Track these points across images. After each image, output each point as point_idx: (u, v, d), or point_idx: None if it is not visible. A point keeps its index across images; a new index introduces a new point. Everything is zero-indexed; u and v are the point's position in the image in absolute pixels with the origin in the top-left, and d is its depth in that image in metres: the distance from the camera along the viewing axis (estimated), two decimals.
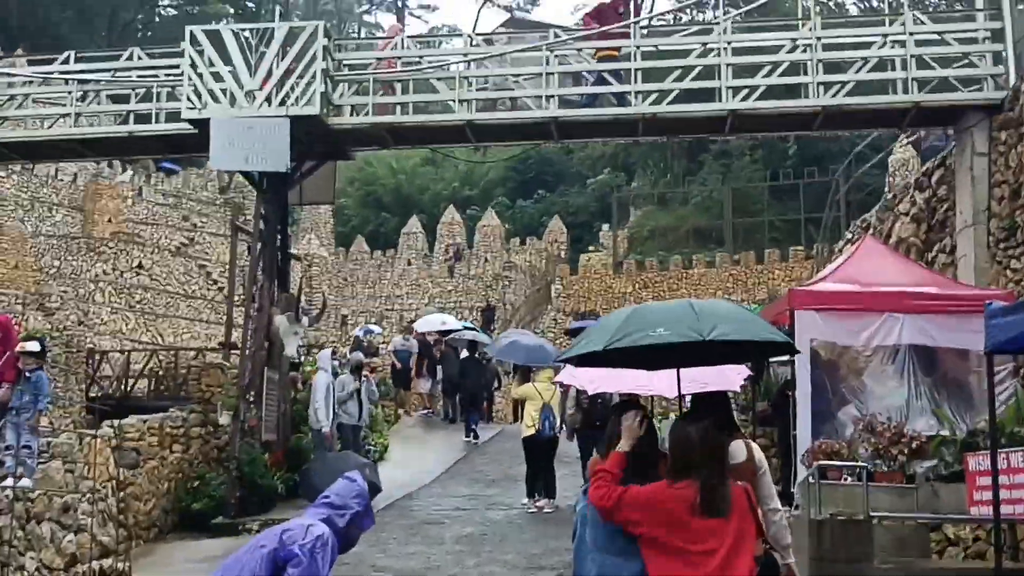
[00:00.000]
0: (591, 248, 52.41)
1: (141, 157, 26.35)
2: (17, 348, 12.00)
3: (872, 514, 9.93)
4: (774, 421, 14.46)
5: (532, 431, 15.11)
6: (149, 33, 66.84)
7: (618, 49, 15.67)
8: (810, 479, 11.21)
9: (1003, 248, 14.62)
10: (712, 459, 5.06)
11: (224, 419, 15.22)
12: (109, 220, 42.02)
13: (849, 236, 19.50)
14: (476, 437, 22.02)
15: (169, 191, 46.69)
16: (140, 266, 41.10)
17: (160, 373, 24.86)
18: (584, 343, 6.24)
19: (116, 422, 13.84)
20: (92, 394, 24.46)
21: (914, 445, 11.11)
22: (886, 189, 25.26)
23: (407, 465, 19.18)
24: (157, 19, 72.84)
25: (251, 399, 15.17)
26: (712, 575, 4.84)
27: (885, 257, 13.64)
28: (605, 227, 52.87)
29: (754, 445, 6.61)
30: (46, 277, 37.50)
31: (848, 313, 12.56)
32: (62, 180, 42.05)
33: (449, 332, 25.32)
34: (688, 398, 8.16)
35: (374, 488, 16.00)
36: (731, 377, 12.52)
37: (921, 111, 15.36)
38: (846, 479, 11.29)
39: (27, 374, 11.87)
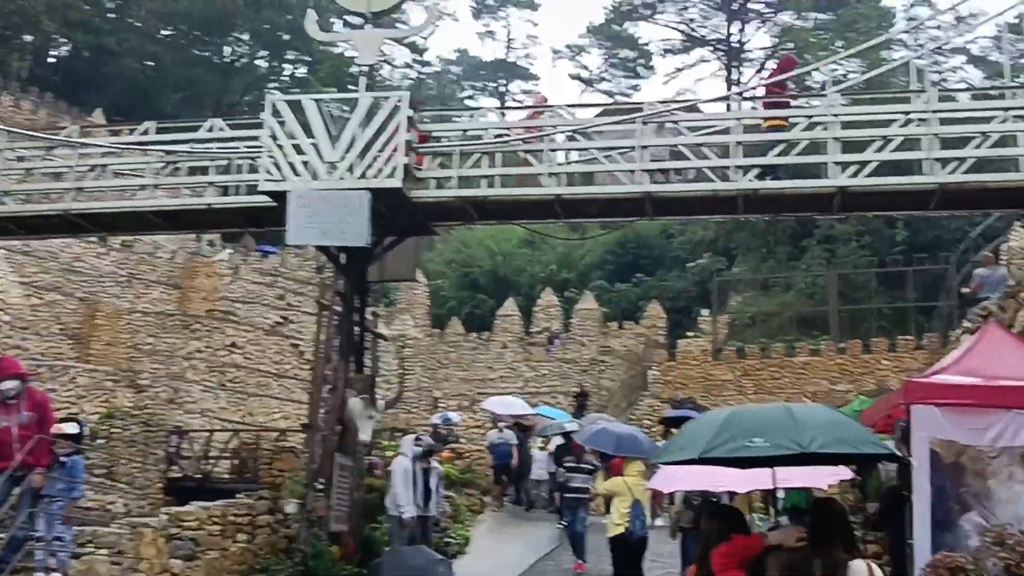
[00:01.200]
0: (690, 334, 51.18)
1: (219, 231, 26.04)
2: (53, 430, 11.34)
3: None
4: (884, 526, 13.06)
5: (621, 529, 13.99)
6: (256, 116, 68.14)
7: (786, 119, 14.80)
8: None
9: None
10: None
11: (291, 507, 14.41)
12: (205, 298, 42.13)
13: (968, 325, 18.13)
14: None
15: (266, 270, 46.85)
16: (234, 344, 41.00)
17: (243, 454, 24.27)
18: (680, 449, 6.17)
19: (173, 509, 13.10)
20: (172, 475, 23.97)
21: None
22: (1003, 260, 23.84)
23: (488, 560, 18.14)
24: (263, 101, 74.19)
25: (320, 486, 14.34)
26: None
27: (1012, 347, 12.37)
28: (705, 312, 51.69)
29: (875, 568, 6.10)
30: (140, 354, 37.54)
31: (971, 409, 11.32)
32: (160, 257, 42.37)
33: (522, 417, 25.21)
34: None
35: None
36: (820, 474, 11.29)
37: None
38: None
39: (62, 459, 11.20)
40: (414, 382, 49.55)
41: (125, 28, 67.33)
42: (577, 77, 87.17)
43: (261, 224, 16.52)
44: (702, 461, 6.01)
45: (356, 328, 15.86)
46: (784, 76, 15.73)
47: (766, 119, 14.89)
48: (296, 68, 75.70)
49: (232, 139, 15.92)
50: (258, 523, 14.81)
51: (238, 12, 69.39)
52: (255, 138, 15.35)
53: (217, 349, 40.37)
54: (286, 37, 71.42)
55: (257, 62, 76.31)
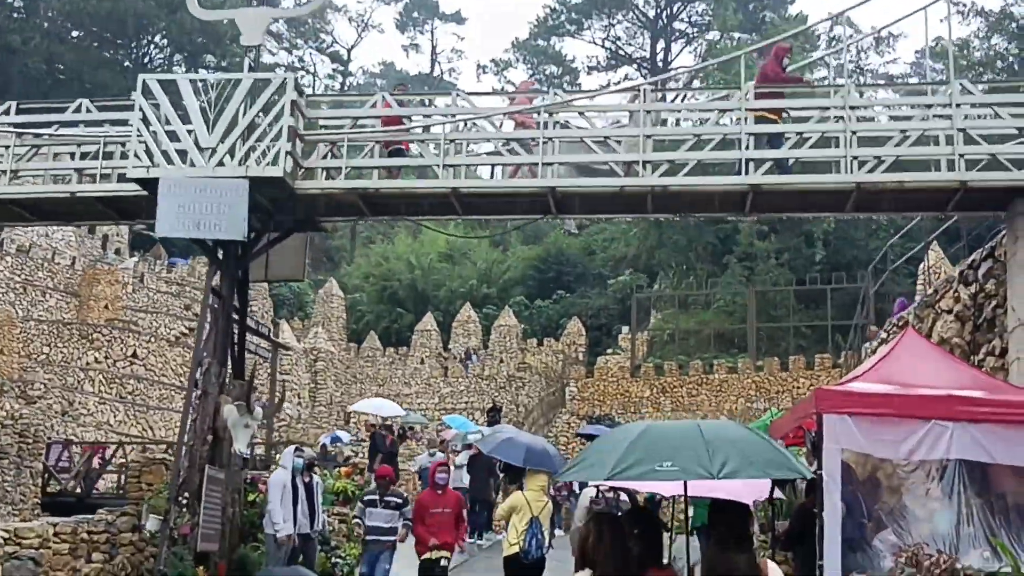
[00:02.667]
0: (610, 351, 50.64)
1: (87, 223, 24.52)
2: None
3: None
4: (795, 545, 12.13)
5: (516, 549, 12.88)
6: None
7: (780, 113, 13.84)
8: None
9: None
10: None
11: (151, 524, 13.12)
12: (106, 307, 40.43)
13: (884, 336, 17.45)
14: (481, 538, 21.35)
15: (173, 279, 45.21)
16: (135, 355, 39.30)
17: (128, 469, 22.80)
18: (588, 465, 5.88)
19: (12, 525, 11.78)
20: (50, 490, 22.45)
21: None
22: (919, 286, 23.37)
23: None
24: None
25: (184, 501, 13.06)
26: None
27: (929, 355, 11.60)
28: (625, 329, 51.19)
29: (772, 565, 5.71)
30: (33, 364, 35.74)
31: (886, 419, 10.50)
32: (59, 264, 40.58)
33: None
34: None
35: None
36: (743, 493, 10.37)
37: (968, 193, 13.44)
38: None
39: None
40: (326, 397, 48.21)
41: (31, 27, 65.14)
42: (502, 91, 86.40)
43: (132, 216, 15.26)
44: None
45: (236, 330, 14.63)
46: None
47: (756, 112, 13.93)
48: (212, 72, 73.91)
49: (102, 122, 14.63)
50: (120, 541, 13.53)
51: (150, 14, 67.43)
52: (127, 122, 14.09)
53: (117, 360, 38.66)
54: (201, 40, 69.73)
55: (175, 69, 74.45)
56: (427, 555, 13.53)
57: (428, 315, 56.76)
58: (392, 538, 14.45)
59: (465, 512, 23.39)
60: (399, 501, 14.59)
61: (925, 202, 14.13)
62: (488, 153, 14.63)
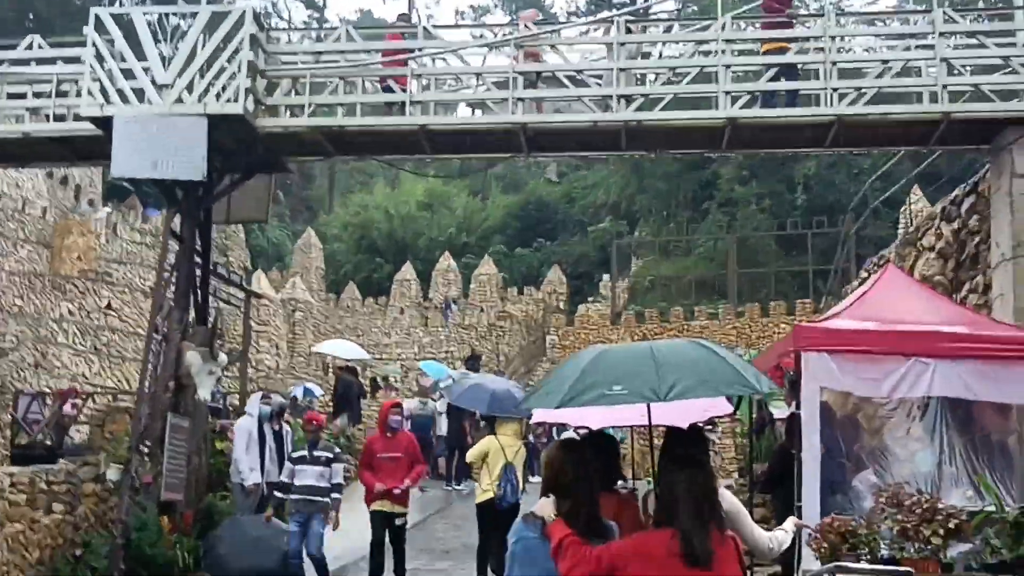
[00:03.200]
0: (590, 299, 50.31)
1: (43, 165, 23.83)
2: None
3: None
4: (774, 487, 11.84)
5: (490, 495, 12.56)
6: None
7: (787, 42, 13.31)
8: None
9: None
10: (696, 506, 4.57)
11: (112, 473, 12.75)
12: (78, 258, 39.76)
13: (865, 275, 17.12)
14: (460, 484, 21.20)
15: (147, 230, 44.57)
16: (109, 307, 38.73)
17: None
18: (544, 394, 5.72)
19: None
20: (20, 442, 21.98)
21: (951, 524, 8.63)
22: (901, 228, 23.08)
23: (351, 531, 16.67)
24: None
25: (146, 450, 12.67)
26: None
27: (912, 291, 11.27)
28: (605, 277, 50.83)
29: (720, 489, 5.31)
30: (5, 316, 35.14)
31: (867, 357, 10.18)
32: (30, 214, 39.86)
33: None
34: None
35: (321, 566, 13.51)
36: (691, 411, 10.04)
37: (952, 125, 13.05)
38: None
39: None
40: (305, 347, 47.78)
41: None
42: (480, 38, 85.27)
43: (89, 157, 14.75)
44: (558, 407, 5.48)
45: (199, 274, 14.19)
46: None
47: (763, 42, 13.44)
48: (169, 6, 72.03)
49: (55, 59, 14.05)
50: (83, 492, 13.16)
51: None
52: (80, 59, 13.53)
53: (91, 312, 38.10)
54: None
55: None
56: (377, 505, 12.32)
57: (407, 265, 56.28)
58: (325, 499, 12.57)
59: (442, 460, 23.21)
60: (330, 456, 12.72)
61: (907, 136, 13.74)
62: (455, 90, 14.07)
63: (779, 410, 17.01)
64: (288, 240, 61.72)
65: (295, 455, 12.81)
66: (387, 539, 12.81)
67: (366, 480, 12.47)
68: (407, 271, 55.37)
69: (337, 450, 13.15)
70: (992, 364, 10.05)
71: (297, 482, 12.50)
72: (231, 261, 46.18)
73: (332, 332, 52.23)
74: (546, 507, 4.87)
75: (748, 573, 5.44)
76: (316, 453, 12.62)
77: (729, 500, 5.89)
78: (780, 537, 5.81)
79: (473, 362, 32.56)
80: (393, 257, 59.69)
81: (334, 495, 12.53)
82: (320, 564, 12.70)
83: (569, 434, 13.25)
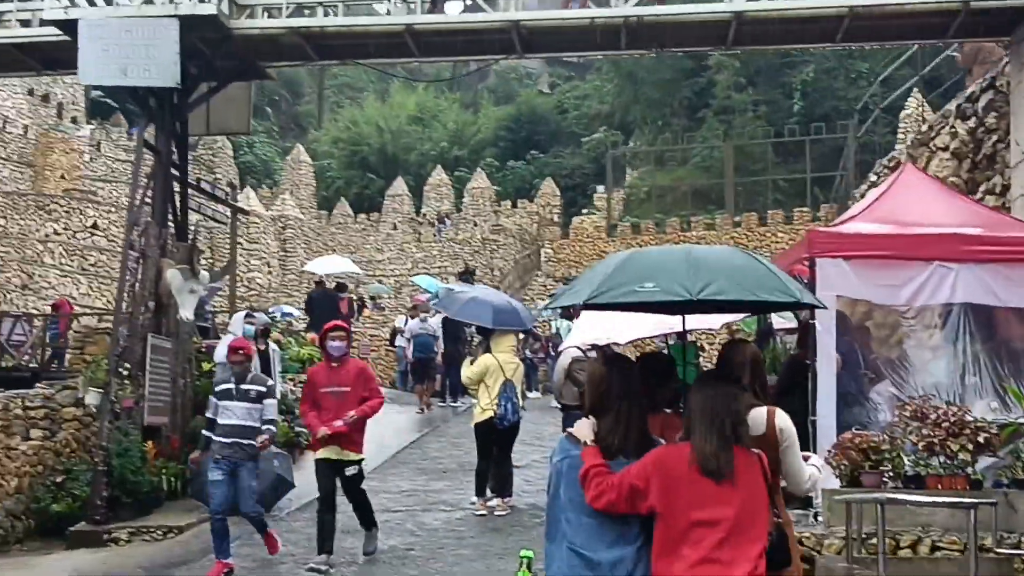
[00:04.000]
0: (585, 211, 49.61)
1: (8, 75, 22.77)
2: None
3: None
4: (785, 401, 11.30)
5: (489, 414, 12.01)
6: None
7: None
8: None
9: None
10: (717, 421, 4.35)
11: (91, 398, 12.18)
12: (62, 176, 38.95)
13: (874, 179, 16.47)
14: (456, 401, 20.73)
15: (132, 147, 43.62)
16: (95, 226, 38.02)
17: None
18: (573, 292, 5.35)
19: None
20: (4, 364, 21.47)
21: (981, 438, 8.11)
22: (900, 134, 22.38)
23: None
24: None
25: (125, 372, 12.07)
26: (715, 554, 4.13)
27: (931, 191, 10.64)
28: (600, 189, 50.09)
29: (780, 413, 5.10)
30: None
31: (885, 262, 9.61)
32: (11, 133, 38.95)
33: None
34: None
35: (285, 483, 13.09)
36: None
37: (971, 15, 12.30)
38: (887, 483, 8.35)
39: None
40: (297, 265, 47.18)
41: None
42: None
43: (56, 66, 13.95)
44: (590, 307, 5.39)
45: (178, 188, 13.49)
46: None
47: None
48: None
49: None
50: (63, 417, 12.62)
51: None
52: None
53: (76, 231, 37.41)
54: None
55: None
56: (323, 452, 9.97)
57: (399, 180, 55.49)
58: (253, 442, 10.08)
59: (443, 379, 22.64)
60: (261, 390, 10.28)
61: (922, 28, 12.99)
62: None
63: (782, 319, 16.49)
64: (278, 157, 60.78)
65: (218, 389, 10.40)
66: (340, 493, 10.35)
67: (309, 421, 10.14)
68: (399, 186, 54.61)
69: (271, 382, 10.97)
70: (1017, 267, 9.49)
71: (221, 421, 10.03)
72: (219, 178, 45.40)
73: (324, 249, 51.61)
74: (583, 429, 4.58)
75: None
76: (244, 387, 10.12)
77: (785, 426, 5.23)
78: (815, 475, 5.29)
79: (467, 276, 31.91)
80: (384, 172, 58.89)
81: (266, 427, 10.19)
82: (258, 521, 10.37)
83: (572, 351, 12.66)
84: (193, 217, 15.18)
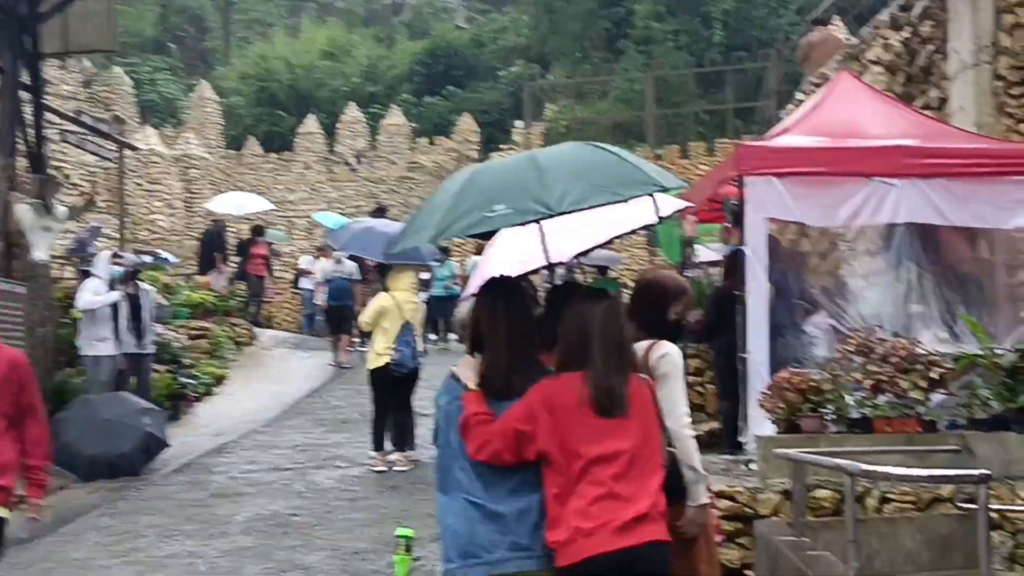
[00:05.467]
0: (504, 147, 48.34)
1: None
2: None
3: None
4: (711, 336, 10.22)
5: (385, 360, 10.84)
6: None
7: None
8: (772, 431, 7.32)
9: (1016, 95, 10.66)
10: (610, 346, 3.94)
11: None
12: None
13: (801, 98, 15.45)
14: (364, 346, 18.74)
15: None
16: None
17: None
18: (414, 231, 4.52)
19: None
20: None
21: (934, 374, 7.11)
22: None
23: (241, 401, 15.02)
24: None
25: None
26: (614, 489, 3.78)
27: (870, 100, 9.63)
28: (519, 124, 48.82)
29: (662, 345, 4.70)
30: None
31: (822, 179, 8.60)
32: None
33: None
34: None
35: (157, 442, 11.81)
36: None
37: None
38: (828, 427, 7.36)
39: None
40: (202, 208, 45.39)
41: None
42: None
43: None
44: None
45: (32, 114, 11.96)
46: None
47: None
48: None
49: None
50: None
51: None
52: None
53: None
54: None
55: None
56: None
57: (311, 117, 53.55)
58: None
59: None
60: None
61: None
62: None
63: (710, 251, 15.55)
64: (183, 95, 58.41)
65: None
66: None
67: None
68: (311, 124, 52.68)
69: None
70: (965, 182, 8.51)
71: None
72: (119, 116, 43.30)
73: (233, 190, 49.74)
74: (465, 369, 4.14)
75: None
76: None
77: (665, 354, 4.70)
78: (689, 477, 4.52)
79: (379, 215, 30.53)
80: (296, 110, 56.88)
81: None
82: None
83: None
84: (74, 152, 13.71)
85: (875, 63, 13.25)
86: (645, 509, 3.77)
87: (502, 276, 4.43)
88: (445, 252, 18.63)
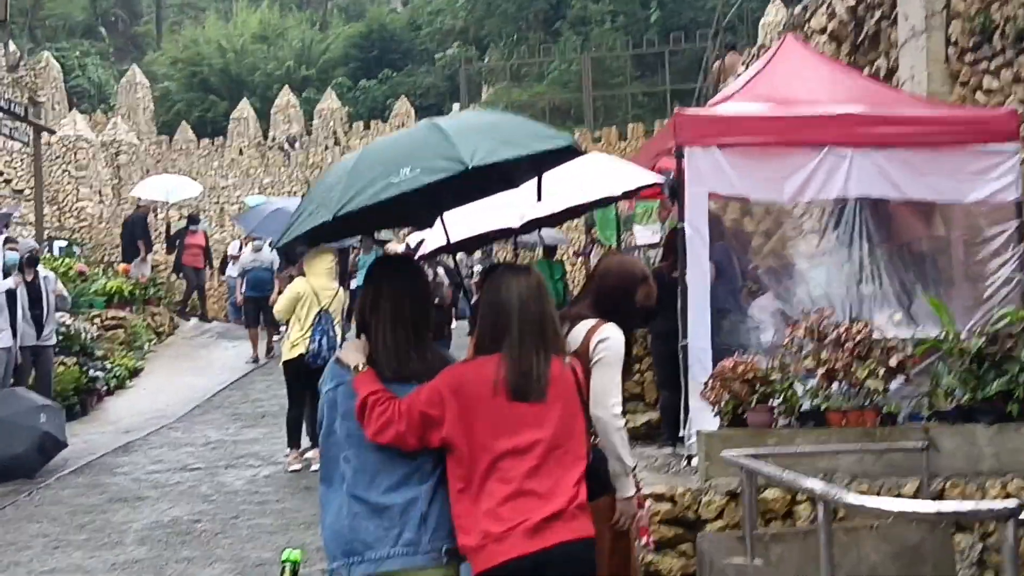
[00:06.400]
0: None
1: None
2: None
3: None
4: (648, 320, 9.53)
5: (300, 351, 10.05)
6: None
7: None
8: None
9: (970, 62, 10.10)
10: (529, 325, 3.63)
11: None
12: None
13: (741, 70, 14.83)
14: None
15: None
16: None
17: None
18: (310, 212, 3.99)
19: None
20: None
21: (893, 361, 6.49)
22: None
23: (158, 394, 14.16)
24: None
25: None
26: (528, 485, 3.46)
27: (818, 65, 9.01)
28: (456, 107, 48.07)
29: (607, 328, 4.36)
30: None
31: (767, 149, 7.96)
32: None
33: None
34: None
35: (54, 442, 10.91)
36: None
37: None
38: (777, 420, 6.73)
39: None
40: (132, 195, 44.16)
41: None
42: None
43: None
44: (341, 222, 3.95)
45: None
46: None
47: None
48: None
49: None
50: None
51: None
52: None
53: None
54: None
55: None
56: None
57: (244, 102, 52.41)
58: None
59: None
60: None
61: None
62: None
63: (646, 231, 14.96)
64: (114, 80, 56.97)
65: None
66: None
67: None
68: (244, 108, 51.53)
69: None
70: (922, 152, 7.90)
71: None
72: (42, 100, 41.98)
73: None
74: (350, 351, 3.80)
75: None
76: None
77: (606, 338, 4.37)
78: (615, 469, 4.19)
79: None
80: (228, 94, 55.74)
81: None
82: None
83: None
84: None
85: (820, 31, 12.70)
86: (561, 506, 3.46)
87: (395, 255, 4.04)
88: (372, 239, 17.75)
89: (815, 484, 3.28)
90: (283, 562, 4.53)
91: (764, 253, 8.57)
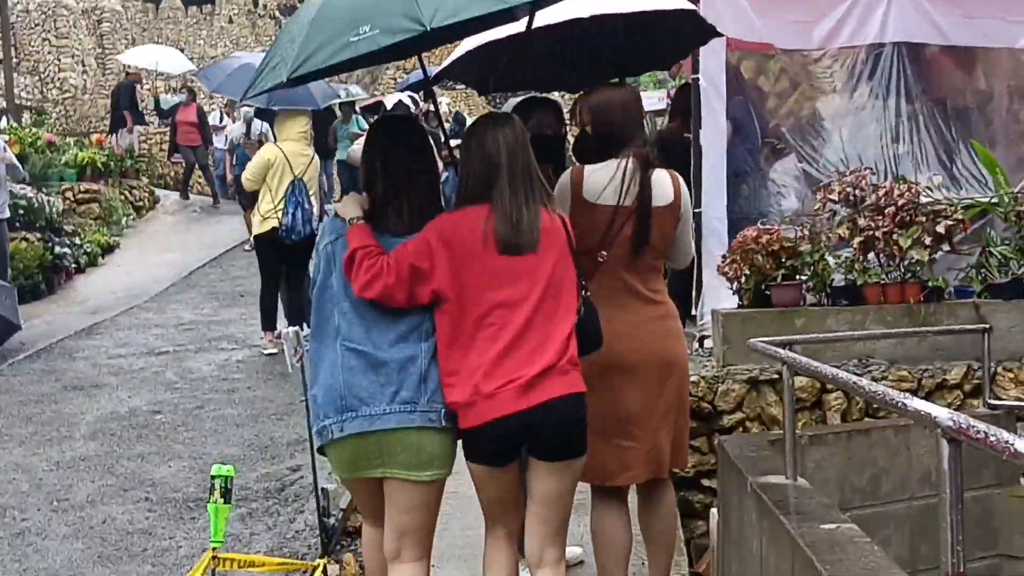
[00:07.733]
0: None
1: None
2: None
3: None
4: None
5: (273, 224, 9.14)
6: None
7: None
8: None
9: None
10: (519, 174, 3.50)
11: None
12: None
13: None
14: None
15: None
16: None
17: None
18: (270, 70, 3.77)
19: None
20: None
21: (941, 227, 5.61)
22: None
23: (131, 274, 13.33)
24: None
25: None
26: (519, 340, 3.39)
27: None
28: None
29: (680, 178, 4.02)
30: None
31: None
32: None
33: None
34: None
35: (6, 324, 10.09)
36: None
37: None
38: (805, 299, 5.90)
39: None
40: (118, 64, 42.74)
41: None
42: None
43: None
44: (297, 81, 3.69)
45: None
46: None
47: None
48: None
49: None
50: None
51: None
52: None
53: None
54: None
55: None
56: None
57: None
58: None
59: None
60: None
61: None
62: None
63: (651, 97, 13.98)
64: None
65: None
66: None
67: None
68: None
69: None
70: None
71: None
72: None
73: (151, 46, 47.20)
74: (349, 204, 3.64)
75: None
76: None
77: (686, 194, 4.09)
78: None
79: None
80: None
81: None
82: None
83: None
84: None
85: None
86: (552, 360, 3.38)
87: (397, 116, 3.50)
88: (352, 107, 16.61)
89: (920, 405, 2.33)
90: (213, 478, 3.80)
91: (782, 115, 7.61)
